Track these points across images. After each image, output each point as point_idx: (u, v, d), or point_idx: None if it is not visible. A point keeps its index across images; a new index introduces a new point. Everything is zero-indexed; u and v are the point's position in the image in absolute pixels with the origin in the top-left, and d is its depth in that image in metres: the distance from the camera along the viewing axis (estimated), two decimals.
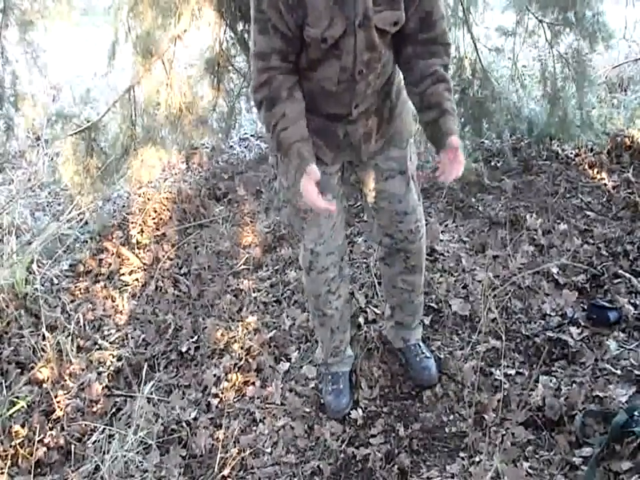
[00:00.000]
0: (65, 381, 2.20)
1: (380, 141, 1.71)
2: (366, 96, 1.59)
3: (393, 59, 1.62)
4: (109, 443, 1.89)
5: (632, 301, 2.22)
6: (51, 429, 2.02)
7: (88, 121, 2.99)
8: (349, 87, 1.55)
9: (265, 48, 1.48)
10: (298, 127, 1.52)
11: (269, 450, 1.88)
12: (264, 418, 1.98)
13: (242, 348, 2.27)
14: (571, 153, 3.24)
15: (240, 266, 2.76)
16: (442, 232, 2.77)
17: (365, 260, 2.60)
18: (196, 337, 2.37)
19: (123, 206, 3.40)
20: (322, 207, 1.49)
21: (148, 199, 3.35)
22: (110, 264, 2.87)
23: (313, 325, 2.09)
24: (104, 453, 1.86)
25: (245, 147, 4.02)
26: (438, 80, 1.53)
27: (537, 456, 1.73)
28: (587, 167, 3.11)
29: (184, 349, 2.32)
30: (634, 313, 2.16)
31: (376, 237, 1.93)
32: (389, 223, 1.84)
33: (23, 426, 2.01)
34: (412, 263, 1.92)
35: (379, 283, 2.41)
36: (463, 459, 1.76)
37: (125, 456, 1.82)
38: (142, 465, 1.83)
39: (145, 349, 2.36)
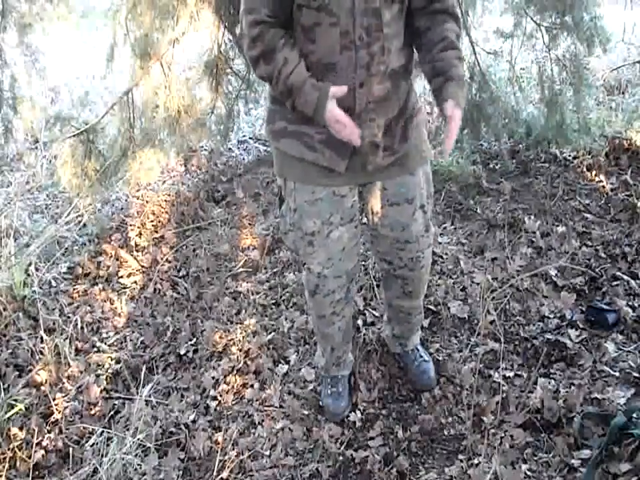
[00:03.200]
0: (63, 383, 2.19)
1: (388, 158, 1.61)
2: (370, 74, 1.48)
3: (407, 48, 1.55)
4: (107, 445, 1.88)
5: (630, 303, 2.22)
6: (49, 432, 2.01)
7: (86, 124, 2.99)
8: (351, 58, 1.46)
9: (254, 3, 1.46)
10: (303, 66, 1.47)
11: (267, 452, 1.88)
12: (262, 420, 1.98)
13: (240, 350, 2.26)
14: (569, 156, 3.25)
15: (238, 268, 2.76)
16: (440, 234, 2.78)
17: (363, 262, 2.60)
18: (194, 340, 2.36)
19: (122, 208, 3.39)
20: (352, 129, 1.46)
21: (146, 202, 3.35)
22: (108, 266, 2.86)
23: (315, 334, 2.07)
24: (102, 455, 1.86)
25: (244, 150, 4.03)
26: (448, 47, 1.49)
27: (535, 458, 1.73)
28: (585, 169, 3.11)
29: (182, 352, 2.31)
30: (632, 315, 2.16)
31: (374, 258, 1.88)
32: (388, 250, 1.78)
33: (21, 429, 2.00)
34: (409, 289, 1.87)
35: (378, 285, 2.41)
36: (461, 461, 1.76)
37: (123, 459, 1.81)
38: (140, 468, 1.83)
39: (144, 352, 2.35)
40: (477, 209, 2.94)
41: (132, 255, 2.91)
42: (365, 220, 1.80)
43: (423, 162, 1.71)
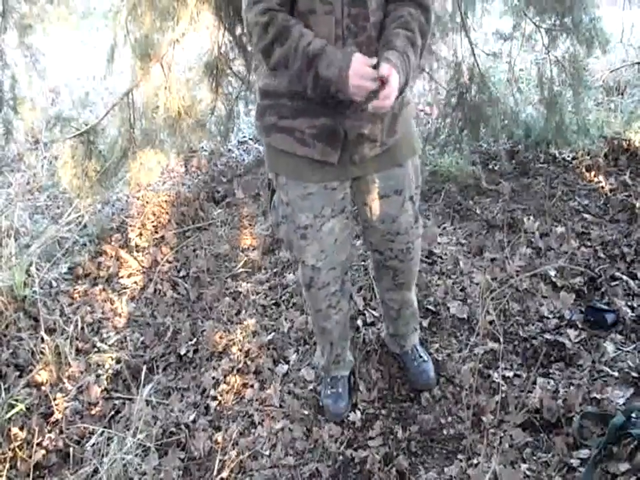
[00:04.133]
0: (64, 383, 2.19)
1: (375, 150, 1.62)
2: None
3: None
4: (108, 445, 1.89)
5: (629, 303, 2.23)
6: (49, 432, 2.01)
7: (87, 124, 3.00)
8: (341, 48, 1.45)
9: None
10: (319, 38, 1.42)
11: (267, 452, 1.88)
12: (262, 420, 1.98)
13: (240, 350, 2.27)
14: (568, 156, 3.26)
15: (238, 269, 2.76)
16: (440, 235, 2.78)
17: (362, 262, 2.61)
18: (195, 340, 2.37)
19: (122, 209, 3.40)
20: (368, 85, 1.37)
21: (147, 202, 3.35)
22: (109, 267, 2.87)
23: (314, 332, 2.08)
24: (103, 455, 1.86)
25: (244, 150, 4.03)
26: (401, 26, 1.46)
27: (534, 458, 1.73)
28: (584, 170, 3.12)
29: (183, 352, 2.32)
30: (631, 315, 2.17)
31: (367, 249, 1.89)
32: (379, 241, 1.79)
33: (21, 429, 2.00)
34: (400, 280, 1.89)
35: None
36: (461, 461, 1.76)
37: (123, 459, 1.81)
38: (140, 468, 1.83)
39: (144, 352, 2.36)
40: (476, 209, 2.94)
41: (132, 256, 2.91)
42: (357, 213, 1.82)
43: (412, 154, 1.72)
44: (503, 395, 1.91)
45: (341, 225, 1.73)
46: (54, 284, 2.74)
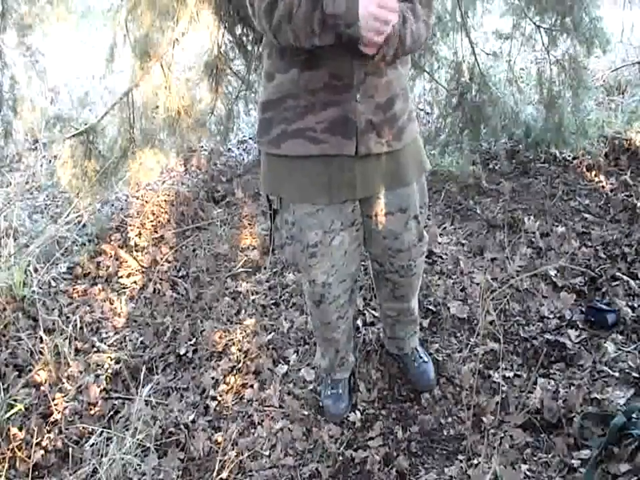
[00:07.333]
0: (63, 383, 2.19)
1: (379, 146, 1.57)
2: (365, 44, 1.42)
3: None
4: (107, 445, 1.88)
5: (630, 303, 2.22)
6: (48, 432, 2.01)
7: (86, 124, 3.00)
8: None
9: None
10: None
11: (267, 453, 1.87)
12: (262, 421, 1.98)
13: (240, 351, 2.26)
14: (569, 156, 3.25)
15: (238, 268, 2.76)
16: (440, 234, 2.78)
17: (362, 262, 2.60)
18: (194, 340, 2.36)
19: (121, 209, 3.40)
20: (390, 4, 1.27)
21: (146, 202, 3.35)
22: (108, 267, 2.86)
23: (316, 339, 2.04)
24: (102, 455, 1.85)
25: (244, 150, 4.03)
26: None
27: (535, 458, 1.73)
28: (584, 169, 3.12)
29: (182, 352, 2.31)
30: (632, 315, 2.16)
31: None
32: (380, 255, 1.77)
33: (20, 429, 2.00)
34: (399, 293, 1.87)
35: None
36: (461, 461, 1.76)
37: (122, 459, 1.81)
38: (140, 468, 1.82)
39: (143, 352, 2.35)
40: (476, 209, 2.94)
41: (131, 255, 2.91)
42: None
43: (420, 173, 1.70)
44: (503, 396, 1.91)
45: (350, 237, 1.68)
46: (53, 284, 2.74)
